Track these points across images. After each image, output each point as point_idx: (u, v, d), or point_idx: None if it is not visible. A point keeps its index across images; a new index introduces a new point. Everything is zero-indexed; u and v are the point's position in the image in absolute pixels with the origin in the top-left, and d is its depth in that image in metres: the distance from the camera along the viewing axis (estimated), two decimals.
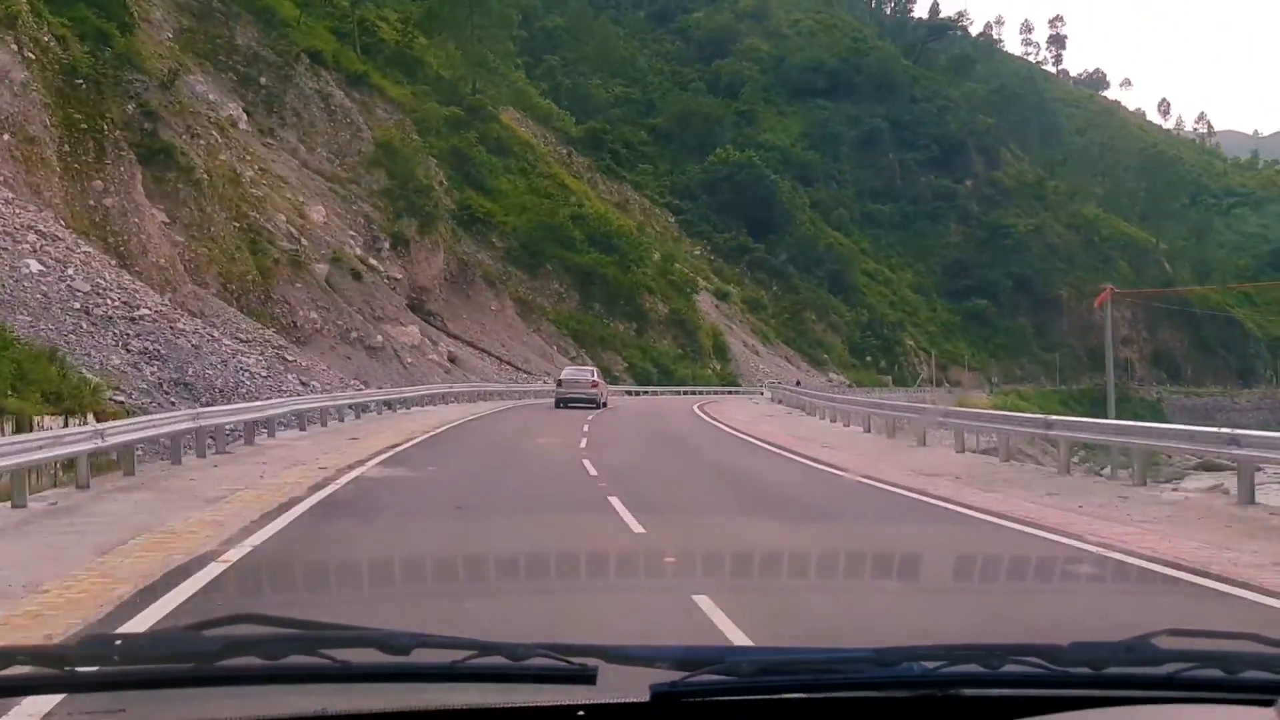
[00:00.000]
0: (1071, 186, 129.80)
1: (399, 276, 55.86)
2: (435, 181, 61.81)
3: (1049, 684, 1.63)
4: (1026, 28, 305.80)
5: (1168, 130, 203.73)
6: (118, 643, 1.52)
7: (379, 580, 6.73)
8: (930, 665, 1.61)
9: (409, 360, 48.81)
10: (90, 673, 1.45)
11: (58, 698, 2.21)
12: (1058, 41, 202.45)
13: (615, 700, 1.58)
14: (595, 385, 36.50)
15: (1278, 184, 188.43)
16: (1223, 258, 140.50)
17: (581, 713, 1.58)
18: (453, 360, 51.62)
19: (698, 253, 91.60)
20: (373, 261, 53.76)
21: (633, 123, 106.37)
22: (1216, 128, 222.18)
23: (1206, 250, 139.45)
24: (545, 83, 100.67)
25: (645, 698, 1.55)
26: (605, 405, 35.66)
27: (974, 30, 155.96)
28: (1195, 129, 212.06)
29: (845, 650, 1.70)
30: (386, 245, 56.26)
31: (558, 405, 34.34)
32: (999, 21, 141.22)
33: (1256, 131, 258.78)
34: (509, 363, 56.59)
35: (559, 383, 37.26)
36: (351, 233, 54.84)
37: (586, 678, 1.53)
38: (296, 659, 1.46)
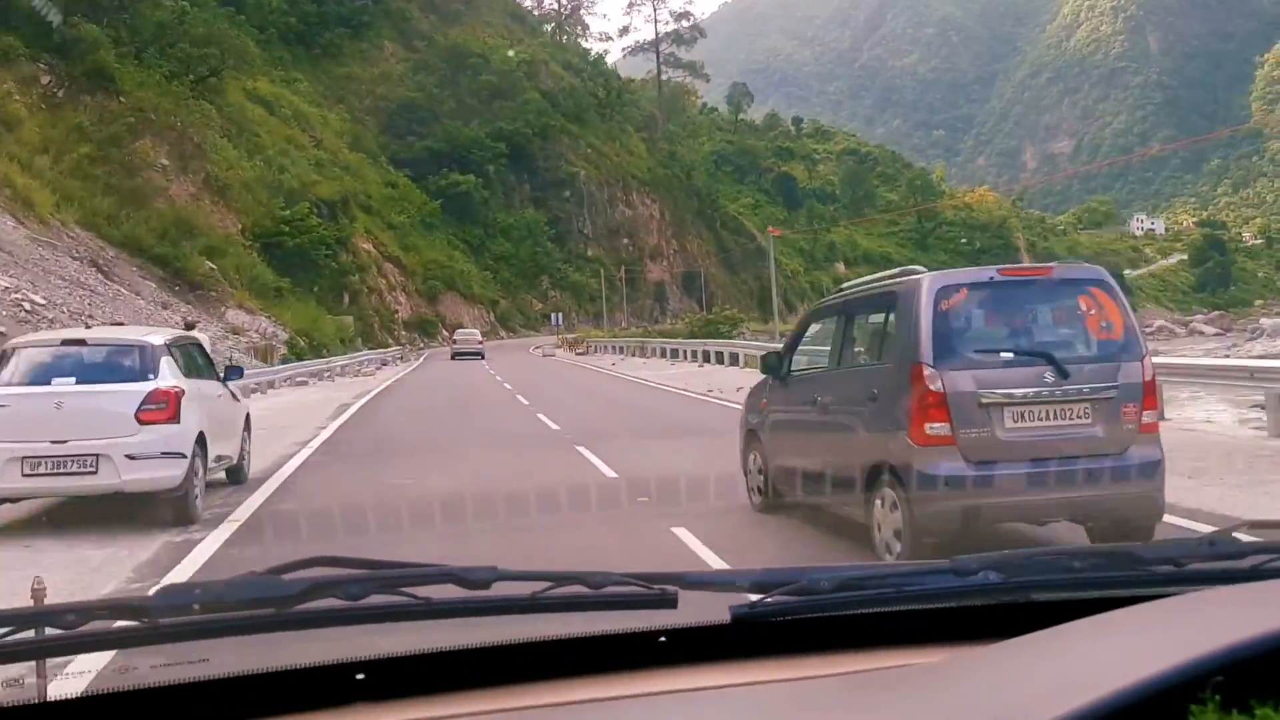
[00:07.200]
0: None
1: None
2: None
3: (1130, 584, 1.58)
4: None
5: None
6: (197, 591, 1.49)
7: None
8: (1008, 573, 1.60)
9: None
10: (172, 623, 1.45)
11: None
12: None
13: (696, 623, 1.60)
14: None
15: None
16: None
17: (663, 638, 1.58)
18: None
19: None
20: None
21: None
22: None
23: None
24: None
25: (726, 619, 1.57)
26: None
27: None
28: None
29: (920, 563, 1.69)
30: None
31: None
32: None
33: None
34: None
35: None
36: None
37: (667, 603, 1.53)
38: (379, 598, 1.46)
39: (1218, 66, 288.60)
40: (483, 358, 42.36)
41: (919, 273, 6.77)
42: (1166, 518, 6.73)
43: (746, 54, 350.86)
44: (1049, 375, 6.32)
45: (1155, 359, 18.82)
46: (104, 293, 24.38)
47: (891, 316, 6.79)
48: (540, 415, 17.37)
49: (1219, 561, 1.62)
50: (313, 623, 1.47)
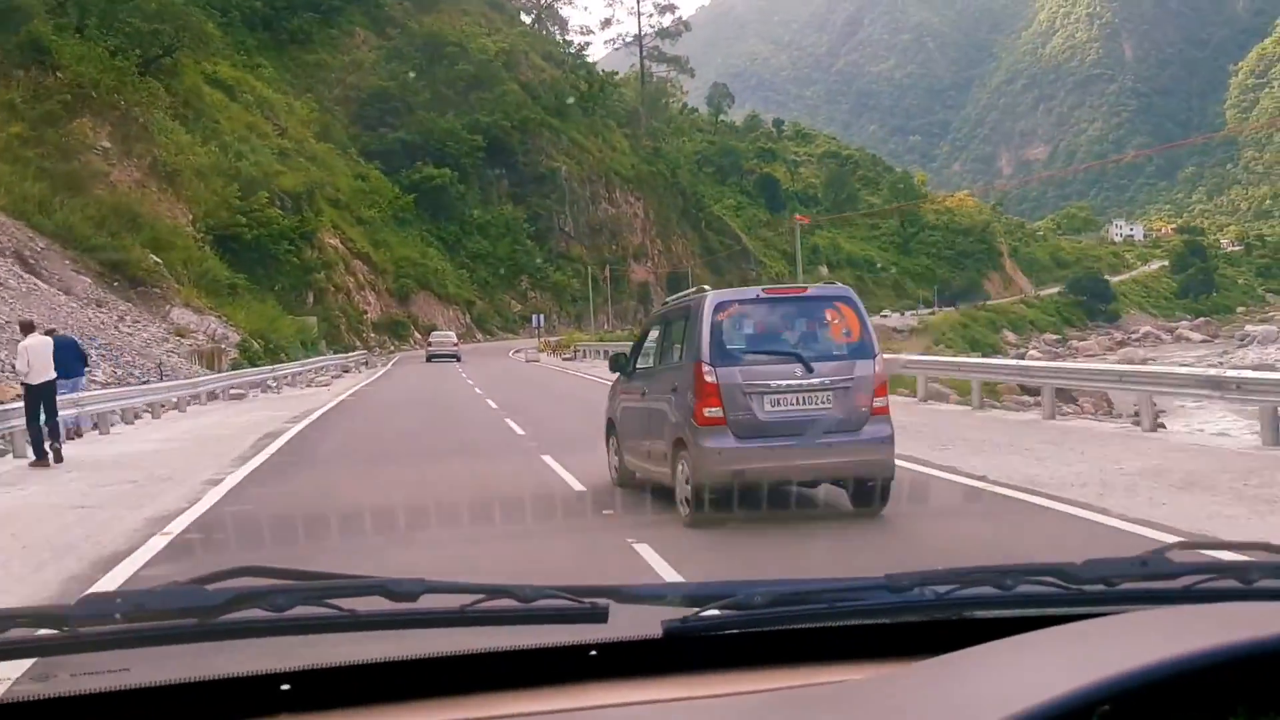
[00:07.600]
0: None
1: None
2: None
3: (1062, 602, 1.63)
4: None
5: None
6: (118, 600, 1.49)
7: None
8: (942, 589, 1.63)
9: None
10: (93, 632, 1.44)
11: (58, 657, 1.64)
12: None
13: (627, 637, 1.59)
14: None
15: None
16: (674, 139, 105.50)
17: (594, 651, 1.58)
18: None
19: None
20: None
21: None
22: None
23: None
24: None
25: (658, 634, 1.57)
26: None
27: None
28: None
29: (855, 579, 1.70)
30: None
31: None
32: None
33: None
34: None
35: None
36: None
37: (597, 617, 1.54)
38: (304, 609, 1.47)
39: (1192, 74, 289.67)
40: (459, 360, 41.51)
41: (707, 291, 8.37)
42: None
43: (724, 57, 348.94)
44: (799, 370, 8.02)
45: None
46: (16, 287, 20.95)
47: (687, 325, 8.28)
48: (547, 458, 11.89)
49: (1151, 582, 1.64)
50: (237, 633, 1.46)
